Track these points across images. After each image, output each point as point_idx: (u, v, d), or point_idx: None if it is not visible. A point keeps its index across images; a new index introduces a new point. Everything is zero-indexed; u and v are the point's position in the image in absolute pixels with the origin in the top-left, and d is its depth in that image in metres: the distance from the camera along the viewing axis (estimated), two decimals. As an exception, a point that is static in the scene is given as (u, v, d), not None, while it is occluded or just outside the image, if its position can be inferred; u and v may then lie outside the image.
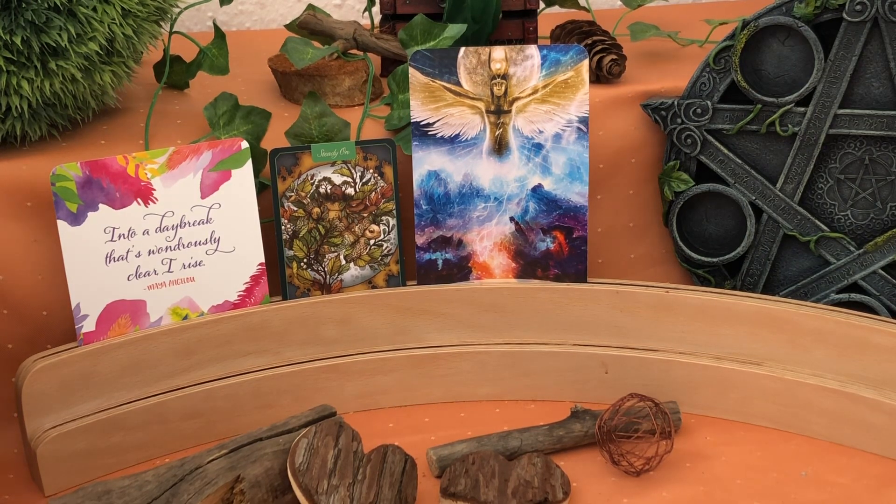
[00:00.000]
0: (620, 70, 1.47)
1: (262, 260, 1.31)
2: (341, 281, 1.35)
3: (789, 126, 1.40)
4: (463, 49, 1.33)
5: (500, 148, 1.35)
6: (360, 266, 1.35)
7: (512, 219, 1.37)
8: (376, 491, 1.12)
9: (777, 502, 1.21)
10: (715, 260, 1.46)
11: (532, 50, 1.33)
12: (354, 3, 1.92)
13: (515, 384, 1.38)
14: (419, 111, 1.34)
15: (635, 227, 1.49)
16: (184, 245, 1.28)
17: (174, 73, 1.47)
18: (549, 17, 1.73)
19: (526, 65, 1.33)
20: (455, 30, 1.43)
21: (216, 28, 1.44)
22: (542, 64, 1.33)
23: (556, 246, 1.37)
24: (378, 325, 1.35)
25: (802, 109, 1.39)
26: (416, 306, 1.36)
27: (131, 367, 1.25)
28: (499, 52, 1.33)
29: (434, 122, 1.34)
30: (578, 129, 1.34)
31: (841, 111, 1.38)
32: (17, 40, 1.20)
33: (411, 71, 1.33)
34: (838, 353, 1.29)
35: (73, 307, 1.23)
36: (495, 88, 1.34)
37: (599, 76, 1.48)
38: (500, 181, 1.36)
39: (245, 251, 1.30)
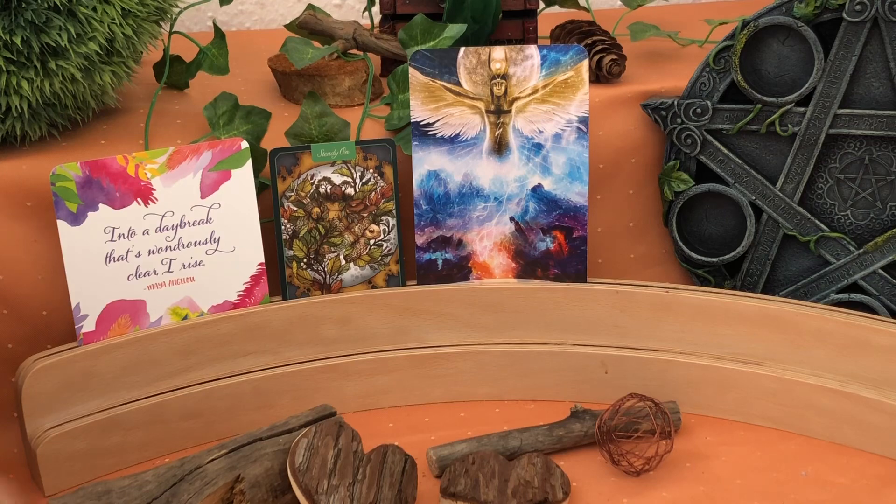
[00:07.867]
0: (620, 70, 1.47)
1: (262, 260, 1.31)
2: (341, 281, 1.35)
3: (789, 126, 1.40)
4: (463, 49, 1.33)
5: (499, 148, 1.35)
6: (360, 266, 1.35)
7: (512, 219, 1.37)
8: (376, 491, 1.12)
9: (777, 502, 1.21)
10: (715, 260, 1.46)
11: (532, 50, 1.33)
12: (354, 3, 1.92)
13: (515, 384, 1.38)
14: (419, 111, 1.34)
15: (635, 227, 1.49)
16: (184, 245, 1.28)
17: (174, 73, 1.48)
18: (549, 17, 1.73)
19: (526, 65, 1.33)
20: (455, 30, 1.43)
21: (216, 28, 1.44)
22: (542, 64, 1.33)
23: (556, 246, 1.37)
24: (378, 325, 1.35)
25: (802, 109, 1.39)
26: (416, 306, 1.36)
27: (131, 367, 1.25)
28: (499, 52, 1.33)
29: (434, 122, 1.34)
30: (578, 129, 1.34)
31: (841, 111, 1.38)
32: (17, 40, 1.20)
33: (411, 71, 1.33)
34: (838, 353, 1.29)
35: (73, 307, 1.23)
36: (495, 88, 1.34)
37: (599, 76, 1.48)
38: (499, 181, 1.36)
39: (245, 251, 1.30)
